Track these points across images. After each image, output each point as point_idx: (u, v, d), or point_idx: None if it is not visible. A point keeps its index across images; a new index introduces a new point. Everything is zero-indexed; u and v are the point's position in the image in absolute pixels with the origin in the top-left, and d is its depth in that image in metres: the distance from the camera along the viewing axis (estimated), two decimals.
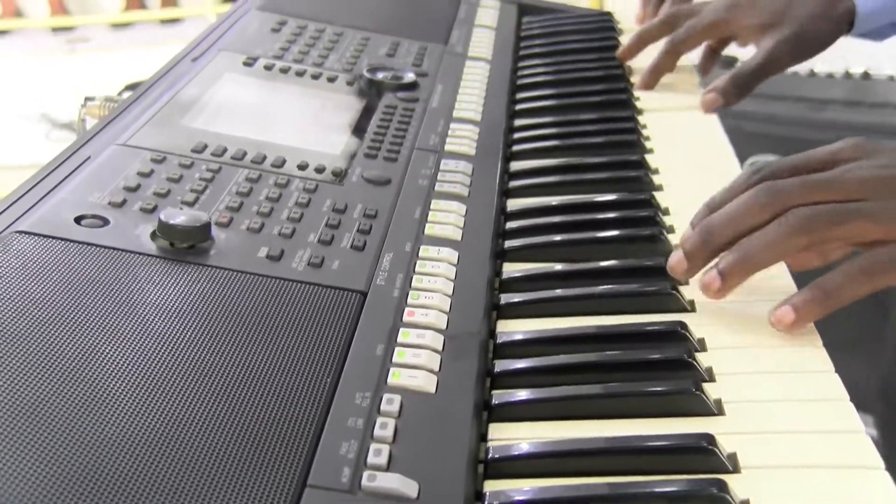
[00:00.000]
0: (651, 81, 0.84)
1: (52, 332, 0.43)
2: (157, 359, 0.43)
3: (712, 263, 0.52)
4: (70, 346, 0.42)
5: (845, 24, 0.78)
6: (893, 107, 1.81)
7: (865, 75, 1.96)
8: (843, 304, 0.48)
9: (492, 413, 0.46)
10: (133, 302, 0.46)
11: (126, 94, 0.84)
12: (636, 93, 0.84)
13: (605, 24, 1.00)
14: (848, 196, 0.49)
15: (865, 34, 0.80)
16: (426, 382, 0.45)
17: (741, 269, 0.50)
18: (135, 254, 0.50)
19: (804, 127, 1.88)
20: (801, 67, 2.00)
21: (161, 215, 0.52)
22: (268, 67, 0.79)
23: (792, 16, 0.76)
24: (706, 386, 0.46)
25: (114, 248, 0.50)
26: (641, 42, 0.87)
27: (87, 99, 0.84)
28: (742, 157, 1.86)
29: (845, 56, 1.94)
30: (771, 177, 0.51)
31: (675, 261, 0.53)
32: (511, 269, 0.59)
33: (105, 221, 0.53)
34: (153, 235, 0.52)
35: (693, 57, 0.94)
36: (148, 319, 0.45)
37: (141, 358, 0.43)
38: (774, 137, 1.89)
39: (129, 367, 0.42)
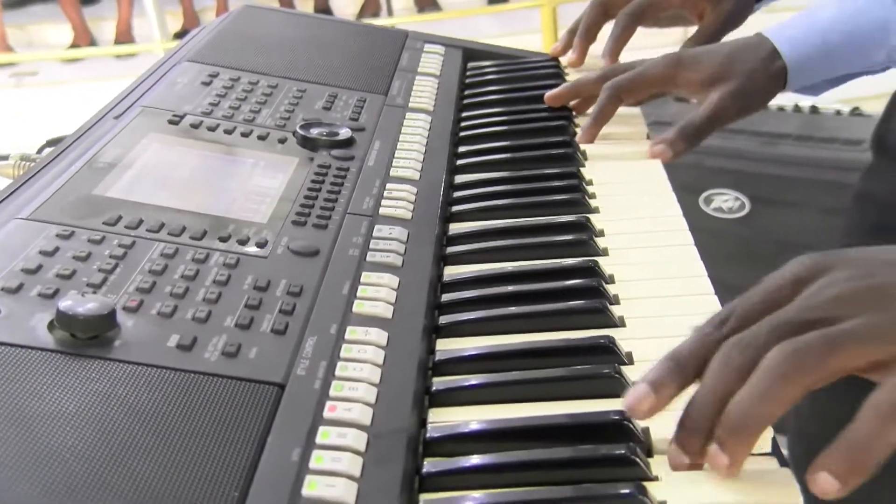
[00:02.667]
0: (592, 134, 0.82)
1: None
2: (42, 474, 0.39)
3: None
4: None
5: (781, 81, 0.78)
6: (841, 142, 1.82)
7: (814, 109, 1.97)
8: (882, 460, 0.40)
9: None
10: (20, 409, 0.42)
11: (46, 151, 0.80)
12: (581, 144, 0.82)
13: (550, 71, 0.98)
14: (826, 320, 0.42)
15: (801, 90, 0.80)
16: (345, 492, 0.41)
17: (745, 436, 0.42)
18: (28, 349, 0.46)
19: (758, 161, 1.89)
20: None
21: (59, 304, 0.47)
22: (195, 125, 0.75)
23: (734, 71, 0.76)
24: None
25: (2, 344, 0.46)
26: (575, 92, 0.85)
27: None
28: (698, 192, 1.87)
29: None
30: (737, 325, 0.44)
31: (674, 455, 0.44)
32: (446, 348, 0.55)
33: None
34: (51, 326, 0.48)
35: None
36: (34, 429, 0.41)
37: (23, 472, 0.39)
38: (729, 171, 1.89)
39: (10, 485, 0.38)
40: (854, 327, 0.42)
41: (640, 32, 0.95)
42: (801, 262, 0.46)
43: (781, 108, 2.03)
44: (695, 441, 0.43)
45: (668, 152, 0.77)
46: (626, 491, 0.42)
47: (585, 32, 0.98)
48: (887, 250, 0.46)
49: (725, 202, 1.91)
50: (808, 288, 0.44)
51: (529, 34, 3.70)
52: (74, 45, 4.77)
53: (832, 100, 2.07)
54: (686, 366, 0.44)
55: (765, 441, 0.44)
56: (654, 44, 1.27)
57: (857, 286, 0.43)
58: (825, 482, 0.40)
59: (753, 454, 0.43)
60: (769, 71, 0.77)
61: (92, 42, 4.83)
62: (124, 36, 4.77)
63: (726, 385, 0.42)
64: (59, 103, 3.83)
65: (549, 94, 0.86)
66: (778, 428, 0.45)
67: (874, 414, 0.40)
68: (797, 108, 2.01)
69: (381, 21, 4.17)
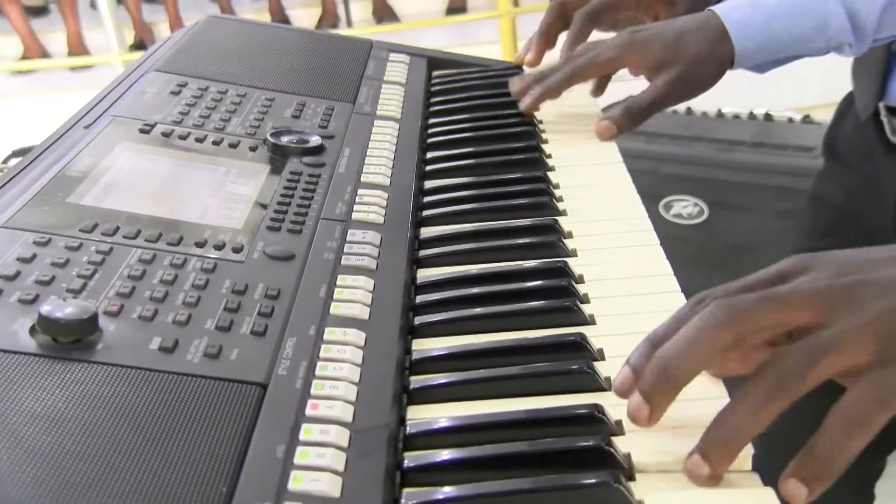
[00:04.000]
0: (536, 103, 0.85)
1: None
2: (28, 474, 0.39)
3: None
4: None
5: (728, 63, 0.81)
6: (793, 148, 1.87)
7: (768, 117, 2.02)
8: (846, 467, 0.43)
9: None
10: (4, 412, 0.42)
11: (12, 161, 0.80)
12: (547, 148, 0.83)
13: (513, 77, 0.99)
14: (806, 316, 0.44)
15: (748, 69, 0.84)
16: (330, 486, 0.42)
17: (726, 453, 0.43)
18: (10, 353, 0.46)
19: (715, 168, 1.93)
20: (711, 108, 2.06)
21: (41, 309, 0.48)
22: (166, 134, 0.76)
23: (681, 56, 0.80)
24: None
25: None
26: (544, 96, 0.87)
27: None
28: (658, 198, 1.91)
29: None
30: (722, 296, 0.46)
31: (635, 407, 0.45)
32: (422, 348, 0.56)
33: None
34: (32, 331, 0.48)
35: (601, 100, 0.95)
36: (21, 431, 0.41)
37: (8, 473, 0.39)
38: (688, 178, 1.93)
39: None
40: (828, 337, 0.43)
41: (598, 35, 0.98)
42: (785, 261, 0.47)
43: (737, 116, 2.08)
44: (663, 397, 0.45)
45: (612, 128, 0.82)
46: (601, 480, 0.43)
47: (544, 33, 1.00)
48: (868, 251, 0.47)
49: (685, 208, 1.95)
50: (791, 282, 0.46)
51: (488, 45, 3.73)
52: (25, 58, 4.70)
53: (785, 108, 2.13)
54: (661, 342, 0.46)
55: (745, 459, 0.45)
56: None
57: (834, 284, 0.45)
58: (794, 489, 0.42)
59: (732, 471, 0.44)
60: (717, 53, 0.80)
61: (43, 54, 4.77)
62: (77, 48, 4.71)
63: (705, 335, 0.44)
64: (11, 116, 3.77)
65: (522, 106, 0.87)
66: None
67: (838, 424, 0.42)
68: (752, 116, 2.06)
69: (340, 32, 4.17)
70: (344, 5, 4.25)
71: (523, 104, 0.86)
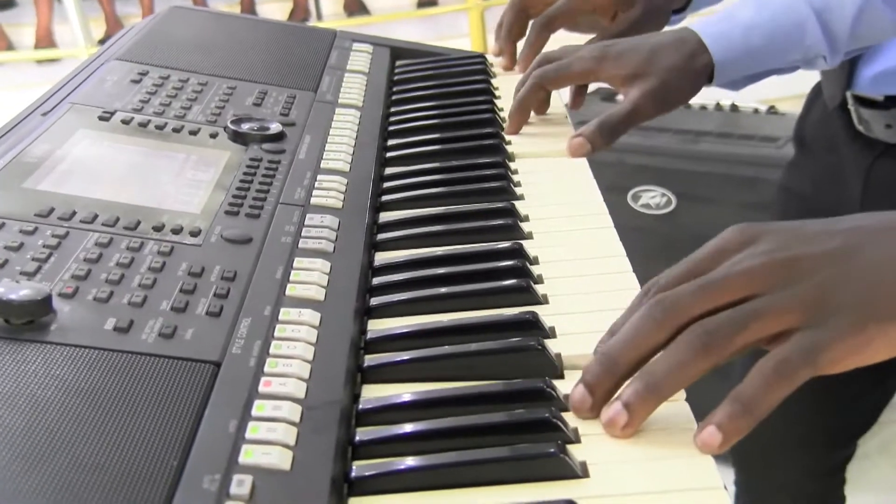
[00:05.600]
0: (518, 122, 0.84)
1: None
2: None
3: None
4: None
5: (704, 76, 0.81)
6: (759, 139, 1.89)
7: (734, 107, 2.04)
8: (766, 413, 0.44)
9: (352, 487, 0.44)
10: None
11: None
12: (508, 136, 0.84)
13: (477, 67, 1.01)
14: (743, 292, 0.46)
15: (723, 85, 0.83)
16: (280, 459, 0.43)
17: (647, 399, 0.45)
18: None
19: (682, 158, 1.95)
20: None
21: None
22: (125, 122, 0.76)
23: (655, 68, 0.79)
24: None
25: None
26: (523, 112, 0.86)
27: None
28: (626, 189, 1.93)
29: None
30: (663, 290, 0.48)
31: (579, 397, 0.47)
32: (377, 328, 0.57)
33: None
34: None
35: (565, 97, 0.96)
36: None
37: None
38: (655, 169, 1.95)
39: None
40: (759, 304, 0.45)
41: (565, 35, 0.99)
42: (731, 231, 0.49)
43: (703, 107, 2.10)
44: (603, 388, 0.47)
45: (585, 146, 0.79)
46: (550, 450, 0.44)
47: (507, 36, 1.01)
48: (811, 223, 0.49)
49: (653, 198, 1.97)
50: (730, 258, 0.48)
51: (458, 38, 3.74)
52: None
53: (750, 99, 2.16)
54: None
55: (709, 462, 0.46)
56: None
57: (773, 259, 0.46)
58: (709, 435, 0.44)
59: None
60: (693, 67, 0.79)
61: (9, 47, 4.72)
62: (45, 41, 4.67)
63: (642, 338, 0.46)
64: None
65: (507, 129, 0.85)
66: None
67: (763, 374, 0.44)
68: (718, 107, 2.08)
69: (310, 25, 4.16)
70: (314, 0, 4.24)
71: (507, 130, 0.84)
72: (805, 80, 1.11)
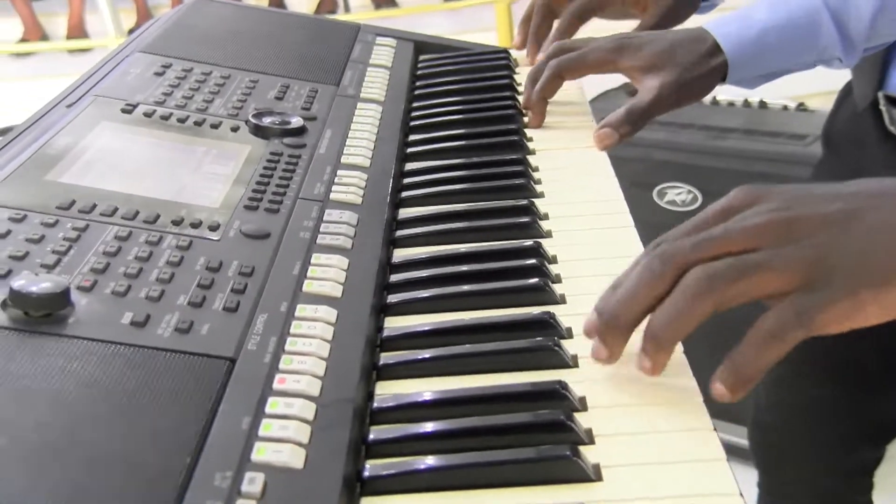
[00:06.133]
0: (540, 113, 0.85)
1: None
2: None
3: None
4: None
5: (718, 75, 0.81)
6: (786, 136, 1.87)
7: (762, 104, 2.02)
8: (763, 372, 0.47)
9: (364, 486, 0.44)
10: None
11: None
12: (530, 132, 0.84)
13: (500, 62, 1.00)
14: (742, 247, 0.47)
15: (737, 83, 0.83)
16: (292, 457, 0.43)
17: (660, 347, 0.48)
18: None
19: (708, 155, 1.93)
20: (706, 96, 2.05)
21: (13, 283, 0.49)
22: (147, 114, 0.76)
23: (674, 61, 0.79)
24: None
25: None
26: (544, 101, 0.86)
27: None
28: (651, 185, 1.91)
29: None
30: (666, 245, 0.50)
31: (597, 350, 0.50)
32: (394, 326, 0.57)
33: None
34: (4, 305, 0.49)
35: (588, 90, 0.95)
36: None
37: None
38: (681, 165, 1.93)
39: None
40: (761, 257, 0.47)
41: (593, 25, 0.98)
42: (738, 191, 0.51)
43: (731, 104, 2.08)
44: (612, 337, 0.49)
45: (613, 135, 0.79)
46: (564, 453, 0.44)
47: (534, 35, 1.01)
48: (816, 187, 0.50)
49: (678, 195, 1.95)
50: (736, 216, 0.49)
51: (484, 32, 3.73)
52: (24, 40, 4.71)
53: (779, 95, 2.13)
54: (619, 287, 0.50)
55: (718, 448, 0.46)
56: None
57: (774, 218, 0.48)
58: (718, 391, 0.47)
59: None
60: (709, 64, 0.80)
61: (43, 37, 4.77)
62: (76, 31, 4.71)
63: (643, 290, 0.48)
64: (7, 98, 3.78)
65: (531, 123, 0.86)
66: (737, 419, 0.49)
67: (758, 335, 0.46)
68: (746, 104, 2.06)
69: (338, 18, 4.17)
70: None
71: (531, 122, 0.85)
72: (836, 78, 1.10)
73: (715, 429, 0.46)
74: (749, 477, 1.19)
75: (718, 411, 0.48)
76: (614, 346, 0.50)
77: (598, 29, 0.93)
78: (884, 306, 0.46)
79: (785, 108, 2.04)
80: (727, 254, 0.47)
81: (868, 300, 0.46)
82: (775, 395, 1.15)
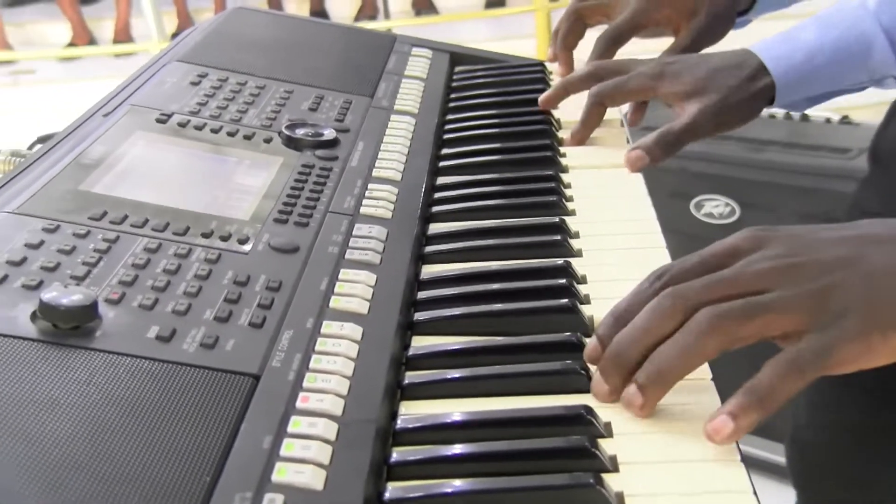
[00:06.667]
0: (582, 137, 0.84)
1: None
2: (21, 456, 0.40)
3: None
4: None
5: (765, 99, 0.79)
6: (828, 150, 1.84)
7: (804, 117, 1.99)
8: (779, 405, 0.47)
9: None
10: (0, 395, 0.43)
11: (37, 147, 0.82)
12: (563, 148, 0.83)
13: (536, 76, 0.99)
14: (751, 289, 0.48)
15: (785, 106, 0.82)
16: (313, 478, 0.42)
17: (660, 382, 0.48)
18: (9, 338, 0.47)
19: (747, 168, 1.91)
20: None
21: (42, 295, 0.49)
22: (182, 124, 0.77)
23: (715, 86, 0.77)
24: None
25: None
26: (564, 91, 0.87)
27: None
28: (689, 197, 1.89)
29: None
30: (672, 281, 0.51)
31: (596, 384, 0.51)
32: (420, 344, 0.57)
33: None
34: (34, 316, 0.49)
35: (623, 109, 0.94)
36: (12, 415, 0.42)
37: (2, 454, 0.40)
38: (720, 177, 1.91)
39: None
40: (768, 299, 0.48)
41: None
42: (742, 234, 0.52)
43: (772, 116, 2.05)
44: (616, 373, 0.49)
45: (644, 159, 0.78)
46: (588, 481, 0.43)
47: (563, 43, 1.00)
48: (822, 229, 0.51)
49: (716, 207, 1.93)
50: (742, 259, 0.50)
51: (524, 39, 3.72)
52: (72, 44, 4.78)
53: (822, 108, 2.10)
54: (623, 319, 0.51)
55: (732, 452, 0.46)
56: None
57: (781, 264, 0.49)
58: (721, 423, 0.46)
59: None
60: (752, 88, 0.78)
61: (91, 41, 4.85)
62: (122, 35, 4.78)
63: (652, 328, 0.49)
64: (54, 102, 3.84)
65: (541, 98, 0.88)
66: (774, 435, 0.49)
67: (772, 371, 0.46)
68: (788, 116, 2.03)
69: (378, 24, 4.18)
70: None
71: (569, 143, 0.84)
72: (886, 90, 1.08)
73: (742, 460, 0.45)
74: (786, 496, 1.17)
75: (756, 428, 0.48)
76: (616, 383, 0.50)
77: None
78: (893, 347, 0.47)
79: (828, 120, 2.01)
80: (736, 295, 0.48)
81: (879, 342, 0.47)
82: (816, 413, 1.13)
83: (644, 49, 0.97)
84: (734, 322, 0.47)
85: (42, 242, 0.56)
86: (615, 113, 0.91)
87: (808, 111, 2.02)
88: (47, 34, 5.08)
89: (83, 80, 4.28)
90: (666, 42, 0.96)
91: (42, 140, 0.86)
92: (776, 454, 1.40)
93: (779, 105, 0.80)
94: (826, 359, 0.46)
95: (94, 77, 4.24)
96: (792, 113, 2.02)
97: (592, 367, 0.52)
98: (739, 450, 0.46)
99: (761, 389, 0.46)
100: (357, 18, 4.55)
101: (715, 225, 1.90)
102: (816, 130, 1.97)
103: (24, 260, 0.54)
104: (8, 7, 5.26)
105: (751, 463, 0.46)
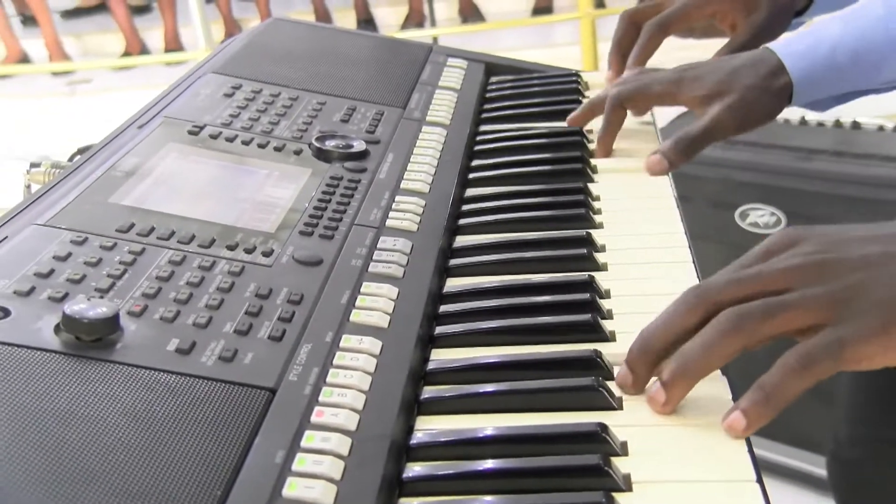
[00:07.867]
0: (607, 144, 0.83)
1: None
2: (39, 467, 0.41)
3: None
4: None
5: (784, 97, 0.77)
6: (879, 158, 1.80)
7: (855, 125, 1.95)
8: (789, 401, 0.47)
9: None
10: (22, 407, 0.44)
11: (76, 159, 0.83)
12: (593, 160, 0.82)
13: (570, 86, 0.99)
14: (775, 287, 0.49)
15: (807, 105, 0.80)
16: (323, 494, 0.42)
17: (682, 378, 0.49)
18: (33, 350, 0.48)
19: (793, 177, 1.87)
20: (793, 115, 1.99)
21: (66, 308, 0.50)
22: (213, 136, 0.78)
23: (735, 86, 0.76)
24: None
25: (9, 344, 0.48)
26: (591, 112, 0.86)
27: (31, 164, 0.82)
28: (734, 206, 1.86)
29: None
30: (704, 284, 0.51)
31: (622, 375, 0.52)
32: (439, 358, 0.56)
33: (6, 313, 0.51)
34: (57, 329, 0.50)
35: (659, 116, 0.93)
36: (31, 426, 0.43)
37: (22, 465, 0.41)
38: (765, 187, 1.88)
39: (10, 476, 0.40)
40: (789, 297, 0.48)
41: (680, 44, 0.95)
42: (779, 234, 0.52)
43: (821, 124, 2.01)
44: (640, 362, 0.51)
45: (663, 163, 0.78)
46: (600, 500, 0.43)
47: (617, 47, 0.98)
48: (855, 228, 0.51)
49: (761, 217, 1.90)
50: (773, 258, 0.51)
51: (570, 46, 3.71)
52: (126, 54, 4.88)
53: (873, 114, 2.05)
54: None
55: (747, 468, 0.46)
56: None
57: (808, 261, 0.49)
58: (735, 419, 0.47)
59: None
60: (772, 87, 0.77)
61: (143, 50, 4.94)
62: (172, 44, 4.87)
63: (676, 321, 0.50)
64: (109, 110, 3.92)
65: (569, 117, 0.88)
66: (814, 446, 0.48)
67: (788, 364, 0.47)
68: (838, 124, 1.99)
69: (425, 31, 4.20)
70: (428, 4, 4.27)
71: (598, 154, 0.83)
72: None
73: (759, 480, 0.44)
74: None
75: (794, 439, 0.48)
76: (640, 373, 0.51)
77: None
78: None
79: (881, 128, 1.96)
80: (760, 294, 0.49)
81: (895, 342, 0.46)
82: (857, 429, 1.10)
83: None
84: (756, 321, 0.48)
85: (70, 255, 0.57)
86: (648, 123, 0.90)
87: (860, 119, 1.98)
88: (104, 44, 5.19)
89: (137, 89, 4.36)
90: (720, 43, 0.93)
91: (81, 151, 0.87)
92: (818, 467, 1.37)
93: (801, 104, 0.79)
94: (838, 353, 0.46)
95: (146, 85, 4.31)
96: (842, 120, 1.98)
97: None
98: (757, 471, 0.45)
99: (771, 385, 0.47)
100: (404, 26, 4.57)
101: (760, 235, 1.86)
102: (868, 139, 1.93)
103: (51, 272, 0.55)
104: (66, 18, 5.39)
105: (792, 476, 0.46)
